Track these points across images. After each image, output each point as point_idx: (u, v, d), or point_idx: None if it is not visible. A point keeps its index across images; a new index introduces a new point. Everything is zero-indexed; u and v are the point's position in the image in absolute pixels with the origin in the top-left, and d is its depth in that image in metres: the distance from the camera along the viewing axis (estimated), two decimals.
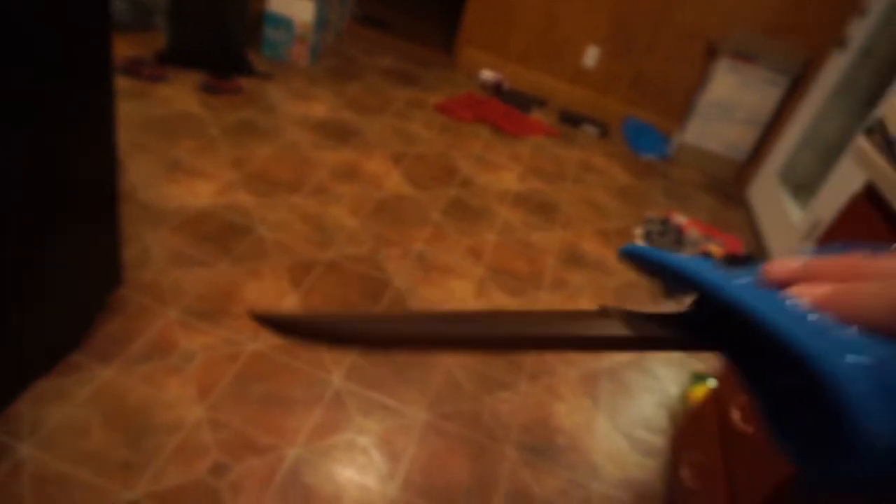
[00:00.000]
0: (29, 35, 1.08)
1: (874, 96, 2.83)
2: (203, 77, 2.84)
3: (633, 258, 0.32)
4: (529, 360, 1.88)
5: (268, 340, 1.68)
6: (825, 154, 3.10)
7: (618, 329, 0.29)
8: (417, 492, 1.42)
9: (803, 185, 3.14)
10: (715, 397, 1.46)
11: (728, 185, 3.55)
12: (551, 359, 1.92)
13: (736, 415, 1.26)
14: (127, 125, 2.38)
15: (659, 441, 1.75)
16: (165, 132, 2.43)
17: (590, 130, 3.60)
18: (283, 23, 3.18)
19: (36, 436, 1.32)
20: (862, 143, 1.35)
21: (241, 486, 1.33)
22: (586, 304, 2.20)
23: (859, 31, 2.95)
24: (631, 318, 0.30)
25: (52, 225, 1.31)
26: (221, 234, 2.00)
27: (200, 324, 1.67)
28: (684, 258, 0.30)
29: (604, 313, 0.30)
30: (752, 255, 2.58)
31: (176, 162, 2.28)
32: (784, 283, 0.26)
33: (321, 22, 3.28)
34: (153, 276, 1.77)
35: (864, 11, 2.94)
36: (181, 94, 2.71)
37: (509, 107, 3.52)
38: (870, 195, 1.25)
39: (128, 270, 1.72)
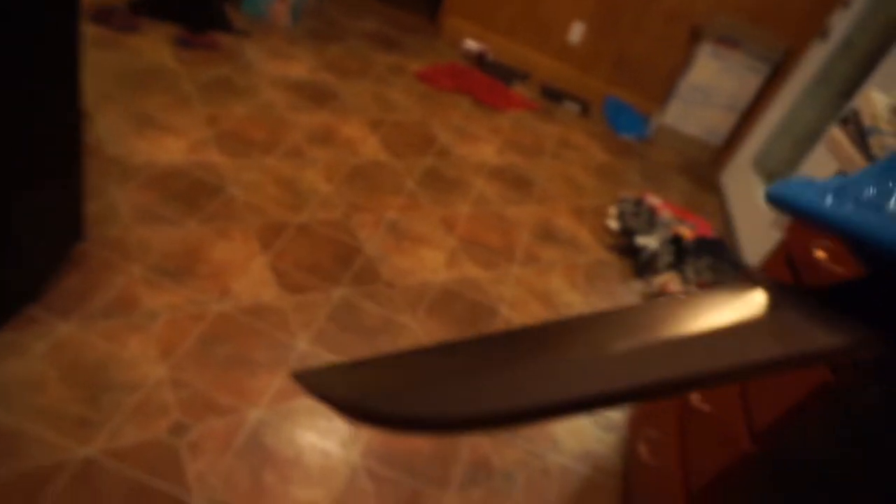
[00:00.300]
0: None
1: (851, 88, 2.86)
2: (177, 30, 2.74)
3: (781, 204, 0.27)
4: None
5: (234, 302, 1.66)
6: (799, 144, 3.13)
7: (786, 346, 0.23)
8: (378, 458, 1.43)
9: (776, 174, 3.18)
10: None
11: (703, 168, 3.58)
12: None
13: (694, 394, 1.28)
14: (96, 76, 2.30)
15: (618, 417, 1.78)
16: (136, 85, 2.35)
17: (571, 107, 3.58)
18: None
19: None
20: (836, 133, 1.36)
21: (200, 447, 1.32)
22: (558, 280, 2.22)
23: (842, 23, 2.96)
24: (802, 315, 0.24)
25: (10, 174, 1.26)
26: (191, 193, 1.96)
27: (165, 282, 1.64)
28: (833, 205, 0.24)
29: (772, 304, 0.24)
30: (721, 240, 2.61)
31: (146, 116, 2.21)
32: None
33: None
34: (118, 232, 1.73)
35: (848, 3, 2.95)
36: (154, 46, 2.62)
37: (491, 78, 3.48)
38: None
39: (92, 225, 1.68)
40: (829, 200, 0.25)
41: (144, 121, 2.19)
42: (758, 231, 2.77)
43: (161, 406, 1.37)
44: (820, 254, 1.17)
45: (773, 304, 0.23)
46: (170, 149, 2.11)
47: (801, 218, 0.26)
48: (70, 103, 1.37)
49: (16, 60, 1.16)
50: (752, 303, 0.23)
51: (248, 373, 1.50)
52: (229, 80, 2.60)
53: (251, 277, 1.75)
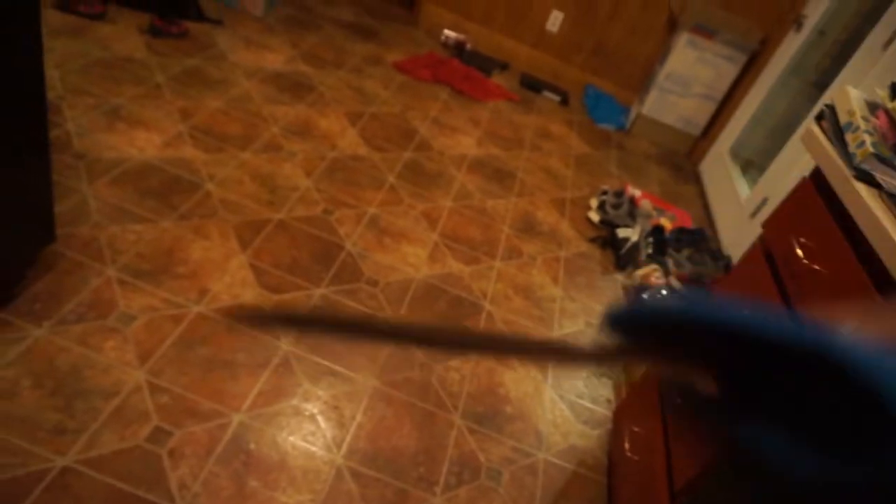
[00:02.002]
0: None
1: (824, 77, 2.90)
2: (147, 18, 2.66)
3: (624, 322, 0.28)
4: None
5: (213, 303, 1.63)
6: (773, 132, 3.17)
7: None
8: (363, 459, 1.42)
9: (752, 163, 3.22)
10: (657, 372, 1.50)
11: (681, 158, 3.61)
12: (502, 329, 1.93)
13: None
14: (62, 66, 2.22)
15: (603, 412, 1.79)
16: (105, 76, 2.28)
17: (551, 97, 3.57)
18: None
19: None
20: (812, 129, 1.37)
21: (182, 453, 1.30)
22: (539, 274, 2.22)
23: (815, 12, 2.99)
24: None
25: None
26: (165, 190, 1.91)
27: (141, 283, 1.60)
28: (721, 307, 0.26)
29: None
30: (701, 230, 2.63)
31: (116, 109, 2.15)
32: None
33: None
34: (90, 231, 1.68)
35: None
36: (122, 35, 2.54)
37: (470, 69, 3.45)
38: (816, 181, 1.27)
39: (62, 225, 1.63)
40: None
41: (114, 114, 2.12)
42: (737, 221, 2.80)
43: (140, 412, 1.34)
44: (799, 252, 1.18)
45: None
46: (141, 143, 2.05)
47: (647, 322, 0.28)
48: (33, 95, 1.31)
49: None
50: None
51: (229, 376, 1.48)
52: (202, 71, 2.54)
53: (230, 277, 1.72)
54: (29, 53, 1.24)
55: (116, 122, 2.09)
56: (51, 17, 2.45)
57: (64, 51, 2.31)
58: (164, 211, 1.84)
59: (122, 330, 1.48)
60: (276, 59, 2.84)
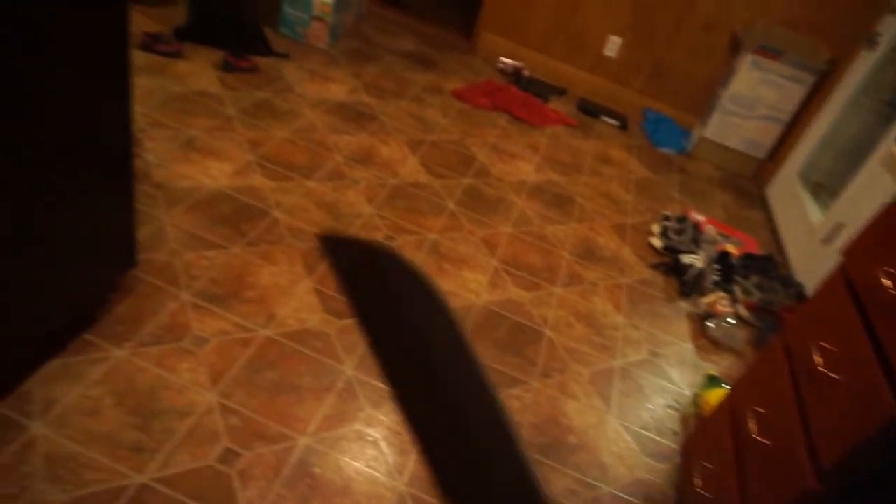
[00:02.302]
0: (43, 4, 1.06)
1: None
2: (219, 55, 2.81)
3: None
4: (543, 357, 1.87)
5: (280, 327, 1.67)
6: (845, 154, 3.04)
7: None
8: (425, 486, 1.42)
9: (822, 186, 3.09)
10: (730, 405, 1.44)
11: (746, 182, 3.50)
12: (564, 357, 1.90)
13: (752, 426, 1.24)
14: (143, 102, 2.36)
15: (670, 444, 1.73)
16: (182, 110, 2.41)
17: (609, 122, 3.55)
18: (301, 1, 3.13)
19: (48, 415, 1.32)
20: (895, 151, 1.31)
21: (250, 475, 1.33)
22: (601, 301, 2.18)
23: (890, 30, 2.88)
24: None
25: (63, 199, 1.30)
26: (235, 217, 1.99)
27: (213, 308, 1.67)
28: None
29: None
30: (770, 256, 2.54)
31: (192, 141, 2.26)
32: None
33: (341, 2, 3.23)
34: (166, 257, 1.76)
35: None
36: (198, 71, 2.69)
37: (528, 95, 3.47)
38: None
39: (141, 251, 1.71)
40: None
41: (189, 145, 2.23)
42: (809, 246, 2.69)
43: (211, 433, 1.39)
44: (887, 282, 1.12)
45: None
46: (214, 173, 2.15)
47: None
48: (122, 130, 1.40)
49: (70, 87, 1.20)
50: None
51: (296, 399, 1.51)
52: (270, 103, 2.64)
53: (296, 302, 1.77)
54: (120, 97, 1.33)
55: (191, 152, 2.20)
56: (134, 58, 2.61)
57: (145, 87, 2.46)
58: (235, 237, 1.91)
59: (196, 352, 1.54)
60: (339, 90, 2.93)
